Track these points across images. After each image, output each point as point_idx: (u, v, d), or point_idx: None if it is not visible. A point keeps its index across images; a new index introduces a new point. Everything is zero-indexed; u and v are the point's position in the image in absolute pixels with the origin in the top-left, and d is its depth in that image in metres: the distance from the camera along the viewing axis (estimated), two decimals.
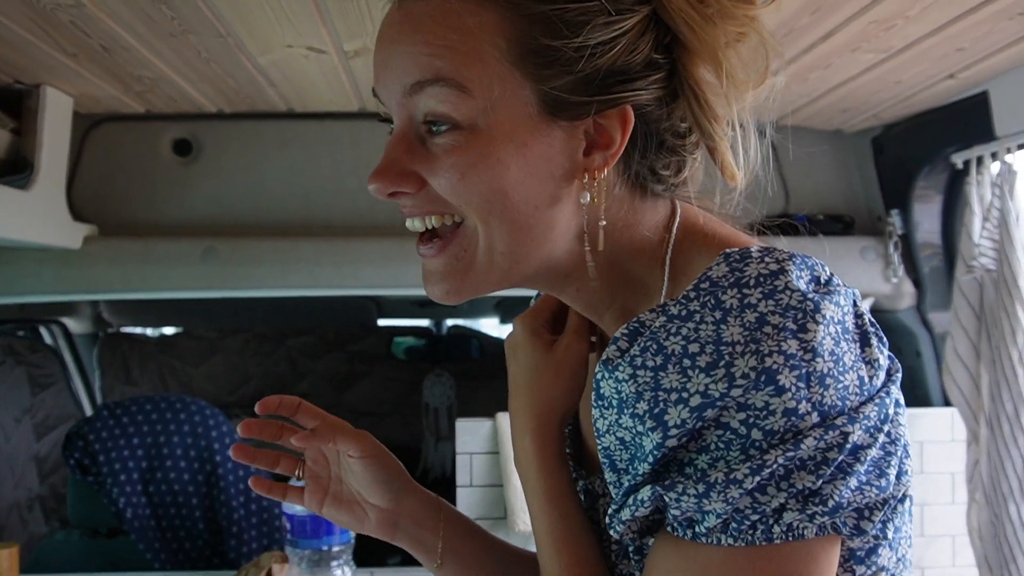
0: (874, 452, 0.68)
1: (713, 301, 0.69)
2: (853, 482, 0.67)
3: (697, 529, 0.68)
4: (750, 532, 0.66)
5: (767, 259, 0.70)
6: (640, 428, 0.69)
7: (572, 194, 0.78)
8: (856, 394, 0.68)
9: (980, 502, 2.00)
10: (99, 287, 2.17)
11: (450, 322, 4.64)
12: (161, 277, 2.16)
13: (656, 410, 0.68)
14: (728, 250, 0.72)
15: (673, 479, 0.68)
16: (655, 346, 0.69)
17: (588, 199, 0.78)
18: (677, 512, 0.68)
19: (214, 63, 1.77)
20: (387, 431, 4.47)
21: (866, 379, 0.69)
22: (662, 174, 0.82)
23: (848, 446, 0.66)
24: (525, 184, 0.76)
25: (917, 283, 2.33)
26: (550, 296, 0.92)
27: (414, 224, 0.81)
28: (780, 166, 2.40)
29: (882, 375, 0.71)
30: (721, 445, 0.66)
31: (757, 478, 0.64)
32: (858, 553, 0.72)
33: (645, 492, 0.70)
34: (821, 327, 0.66)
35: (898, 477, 0.71)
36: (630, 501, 0.72)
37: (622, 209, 0.81)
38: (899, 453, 0.71)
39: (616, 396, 0.72)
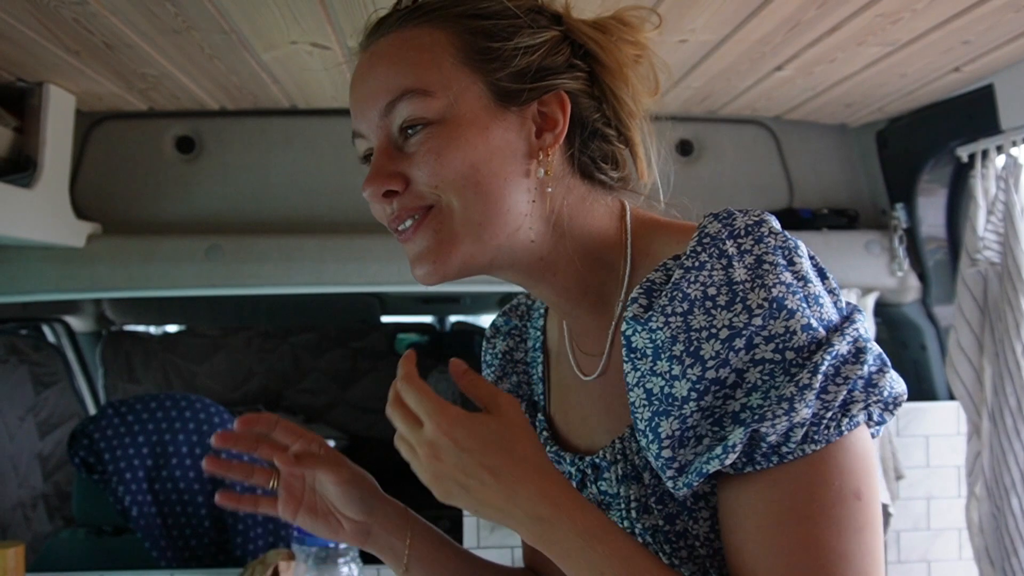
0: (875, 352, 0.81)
1: (717, 251, 0.82)
2: (888, 376, 0.81)
3: (783, 450, 0.76)
4: (827, 432, 0.77)
5: (748, 214, 0.84)
6: (676, 369, 0.80)
7: (532, 173, 0.92)
8: (838, 312, 0.82)
9: (980, 496, 2.00)
10: (103, 285, 2.16)
11: (453, 319, 4.64)
12: (165, 275, 2.16)
13: (691, 347, 0.79)
14: (715, 212, 0.86)
15: (757, 412, 0.76)
16: (680, 295, 0.81)
17: (542, 173, 0.92)
18: (773, 439, 0.76)
19: (217, 60, 1.76)
20: (390, 428, 4.45)
21: (836, 302, 0.83)
22: (602, 166, 0.97)
23: (866, 339, 0.80)
24: (491, 161, 0.89)
25: (922, 277, 2.33)
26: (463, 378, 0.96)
27: (405, 225, 0.92)
28: (785, 160, 2.39)
29: (842, 303, 0.85)
30: (765, 377, 0.77)
31: (819, 377, 0.76)
32: None
33: (735, 436, 0.76)
34: (804, 259, 0.82)
35: None
36: (717, 451, 0.77)
37: (579, 196, 0.95)
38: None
39: (651, 345, 0.82)
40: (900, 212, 2.29)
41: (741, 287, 0.79)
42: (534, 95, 0.92)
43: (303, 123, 2.28)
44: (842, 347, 0.78)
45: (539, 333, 1.16)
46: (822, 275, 0.84)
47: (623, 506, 0.92)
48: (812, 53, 1.72)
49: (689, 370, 0.79)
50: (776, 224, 0.84)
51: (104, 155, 2.23)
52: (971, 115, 1.99)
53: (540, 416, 1.11)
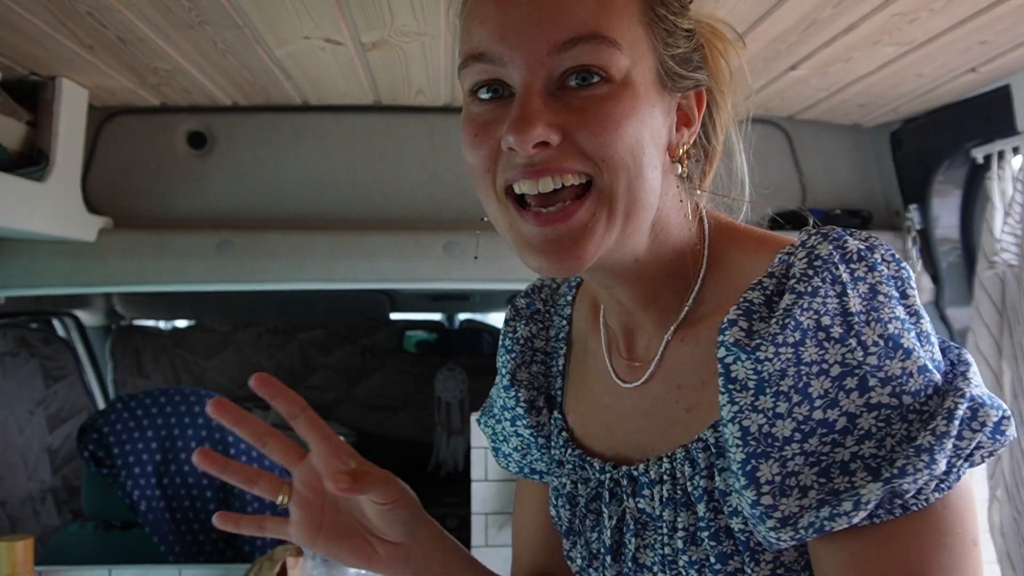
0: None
1: (831, 277, 0.74)
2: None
3: (909, 501, 0.70)
4: (955, 479, 0.71)
5: (857, 237, 0.77)
6: (782, 407, 0.72)
7: (665, 168, 0.84)
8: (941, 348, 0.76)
9: (1002, 499, 1.99)
10: (114, 280, 2.16)
11: (462, 316, 4.64)
12: (176, 270, 2.16)
13: (800, 384, 0.72)
14: (821, 230, 0.78)
15: (897, 468, 0.68)
16: (792, 323, 0.73)
17: (680, 170, 0.86)
18: (910, 494, 0.69)
19: (230, 55, 1.76)
20: (398, 425, 4.48)
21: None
22: (694, 167, 0.90)
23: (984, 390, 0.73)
24: (651, 145, 0.80)
25: (935, 278, 2.31)
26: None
27: (540, 186, 0.78)
28: (797, 160, 2.38)
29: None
30: (881, 423, 0.70)
31: (955, 424, 0.69)
32: None
33: (869, 494, 0.68)
34: (915, 292, 0.75)
35: None
36: (846, 507, 0.69)
37: (674, 196, 0.87)
38: None
39: (755, 377, 0.73)
40: (914, 213, 2.27)
41: (856, 319, 0.72)
42: (687, 85, 0.85)
43: (315, 119, 2.28)
44: (972, 389, 0.71)
45: (564, 322, 1.07)
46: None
47: (665, 530, 0.85)
48: (827, 52, 1.71)
49: (796, 408, 0.71)
50: (889, 250, 0.76)
51: (116, 150, 2.23)
52: (987, 116, 1.97)
53: (556, 413, 1.04)
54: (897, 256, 0.76)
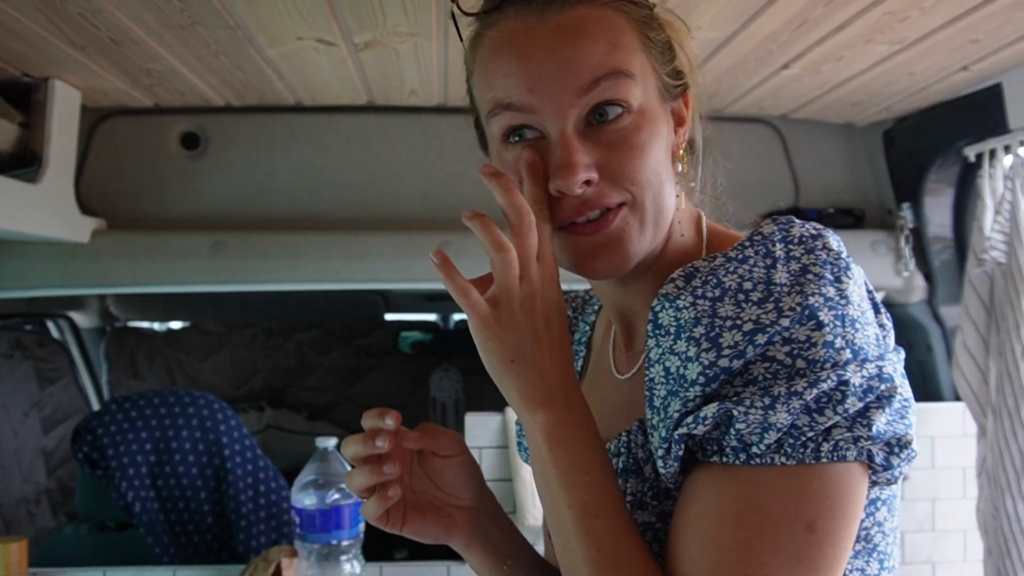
0: (901, 394, 0.77)
1: (764, 250, 0.80)
2: (886, 416, 0.75)
3: (752, 451, 0.74)
4: (802, 450, 0.74)
5: (807, 225, 0.83)
6: (692, 352, 0.78)
7: (672, 169, 0.93)
8: (876, 345, 0.78)
9: (986, 495, 2.00)
10: (107, 281, 2.16)
11: (457, 316, 4.64)
12: (169, 271, 2.16)
13: (712, 333, 0.77)
14: (777, 216, 0.85)
15: (740, 394, 0.74)
16: (714, 280, 0.80)
17: (681, 168, 0.95)
18: (742, 427, 0.73)
19: (223, 56, 1.76)
20: None
21: (881, 337, 0.81)
22: (683, 165, 0.98)
23: (886, 380, 0.75)
24: (664, 158, 0.90)
25: (928, 277, 2.32)
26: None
27: (590, 217, 0.87)
28: (790, 159, 2.39)
29: (891, 340, 0.84)
30: (768, 376, 0.75)
31: (815, 391, 0.73)
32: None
33: (710, 409, 0.75)
34: (852, 282, 0.78)
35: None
36: (688, 421, 0.76)
37: (682, 204, 0.96)
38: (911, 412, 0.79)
39: (675, 323, 0.80)
40: (906, 212, 2.28)
41: (778, 289, 0.77)
42: (680, 91, 0.94)
43: (308, 120, 2.28)
44: (856, 378, 0.74)
45: (588, 328, 1.17)
46: (875, 308, 0.83)
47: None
48: (819, 51, 1.72)
49: (704, 354, 0.77)
50: (835, 242, 0.81)
51: (109, 151, 2.24)
52: (979, 115, 1.98)
53: None
54: (842, 249, 0.81)
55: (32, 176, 1.87)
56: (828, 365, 0.74)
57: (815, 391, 0.72)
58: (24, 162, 1.88)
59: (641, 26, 0.89)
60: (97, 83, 1.95)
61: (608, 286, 1.00)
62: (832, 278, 0.77)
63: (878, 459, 0.76)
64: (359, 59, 1.80)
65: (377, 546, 2.07)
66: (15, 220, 1.79)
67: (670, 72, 0.92)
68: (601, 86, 0.84)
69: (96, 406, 3.84)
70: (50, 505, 3.50)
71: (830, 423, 0.73)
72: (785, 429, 0.73)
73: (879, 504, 0.85)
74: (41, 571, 2.07)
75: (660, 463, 0.80)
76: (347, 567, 1.79)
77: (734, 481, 0.75)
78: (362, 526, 1.81)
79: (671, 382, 0.79)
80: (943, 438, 2.28)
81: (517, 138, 0.88)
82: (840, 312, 0.76)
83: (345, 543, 1.78)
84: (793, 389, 0.73)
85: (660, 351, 0.81)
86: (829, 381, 0.73)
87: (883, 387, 0.75)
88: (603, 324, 1.13)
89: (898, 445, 0.77)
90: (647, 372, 0.83)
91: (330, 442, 1.82)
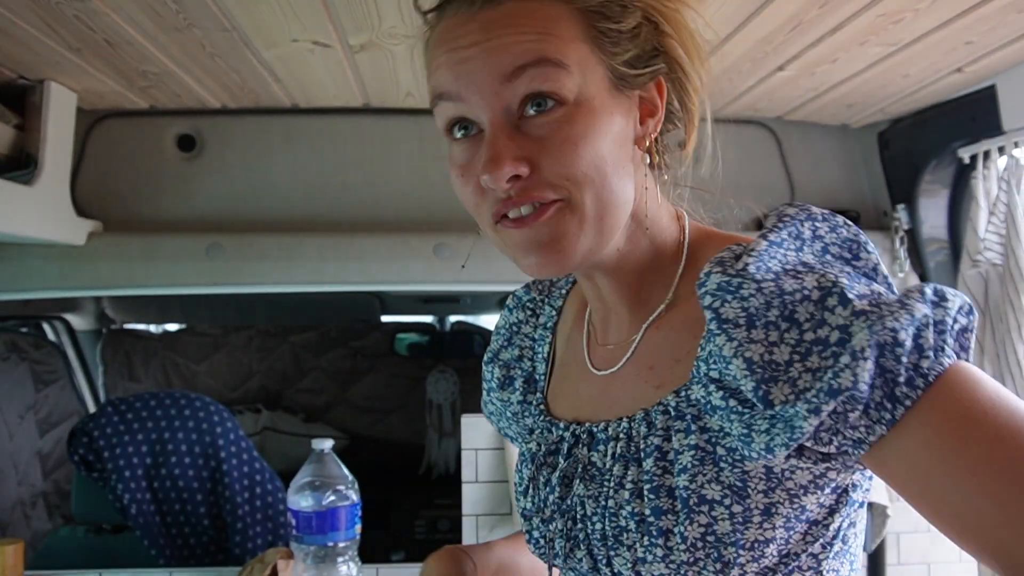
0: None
1: (796, 230, 0.83)
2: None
3: (923, 365, 0.72)
4: (951, 340, 0.74)
5: (817, 208, 0.85)
6: (775, 336, 0.76)
7: (636, 160, 0.91)
8: None
9: None
10: (103, 283, 2.16)
11: (453, 319, 4.64)
12: (166, 273, 2.16)
13: (787, 311, 0.77)
14: (791, 203, 0.86)
15: (881, 324, 0.72)
16: (765, 263, 0.79)
17: (649, 160, 0.93)
18: (908, 342, 0.72)
19: (219, 58, 1.76)
20: (390, 428, 4.48)
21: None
22: (664, 156, 0.97)
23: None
24: (614, 151, 0.87)
25: (923, 278, 2.33)
26: None
27: (520, 211, 0.86)
28: (785, 161, 2.39)
29: None
30: (874, 305, 0.75)
31: (928, 291, 0.75)
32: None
33: (859, 342, 0.72)
34: (870, 256, 0.82)
35: None
36: (839, 365, 0.72)
37: (653, 190, 0.95)
38: None
39: (744, 314, 0.78)
40: (902, 213, 2.28)
41: (822, 258, 0.80)
42: (643, 80, 0.91)
43: (304, 122, 2.28)
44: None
45: (554, 312, 1.16)
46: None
47: (611, 483, 0.90)
48: (814, 53, 1.72)
49: (787, 335, 0.76)
50: (847, 222, 0.85)
51: (105, 153, 2.23)
52: (973, 116, 1.99)
53: (538, 394, 1.11)
54: (858, 228, 0.84)
55: (28, 178, 1.87)
56: (896, 304, 0.75)
57: (929, 289, 0.75)
58: (19, 164, 1.88)
59: (588, 16, 0.87)
60: (93, 85, 1.95)
61: (586, 278, 1.00)
62: (852, 255, 0.82)
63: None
64: (355, 61, 1.80)
65: (373, 548, 2.07)
66: (11, 222, 1.79)
67: (630, 60, 0.89)
68: (527, 74, 0.83)
69: (92, 408, 3.83)
70: (46, 507, 3.50)
71: (954, 308, 0.75)
72: (932, 323, 0.73)
73: (856, 507, 0.87)
74: (37, 573, 2.07)
75: (768, 443, 0.76)
76: (343, 569, 1.79)
77: (932, 407, 0.72)
78: (358, 528, 1.81)
79: (759, 370, 0.76)
80: None
81: (461, 132, 0.88)
82: (877, 272, 0.81)
83: (341, 545, 1.78)
84: (909, 295, 0.75)
85: (735, 344, 0.78)
86: (928, 286, 0.76)
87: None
88: (572, 310, 1.13)
89: (970, 311, 0.78)
90: (727, 369, 0.80)
91: (326, 444, 1.82)
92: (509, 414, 1.17)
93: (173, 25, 1.54)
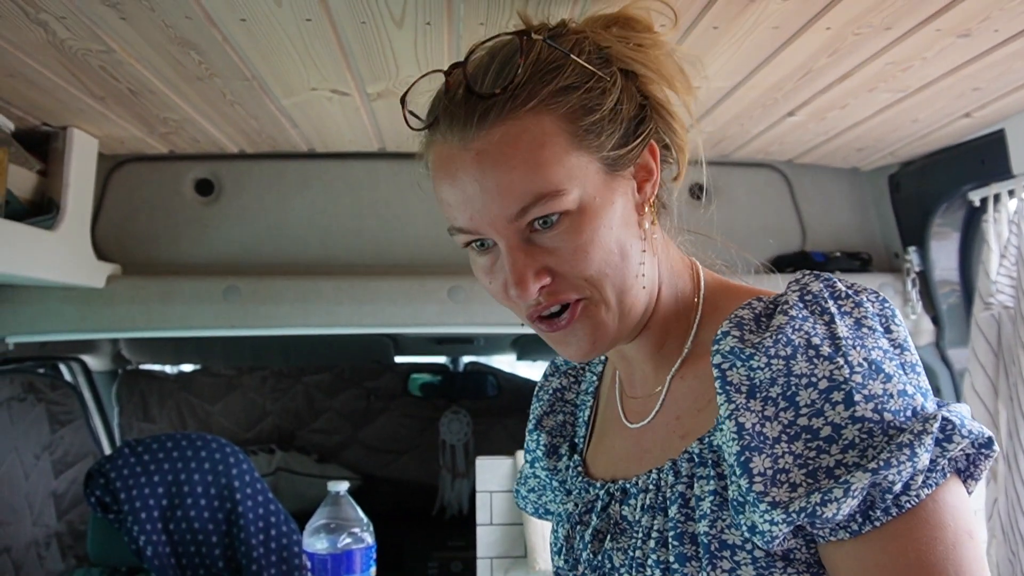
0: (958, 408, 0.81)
1: (819, 308, 0.83)
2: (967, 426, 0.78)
3: (902, 500, 0.75)
4: (939, 475, 0.76)
5: (845, 281, 0.87)
6: (770, 411, 0.80)
7: (641, 227, 0.94)
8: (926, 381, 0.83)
9: (999, 538, 1.99)
10: (122, 325, 2.19)
11: (466, 359, 4.65)
12: (183, 315, 2.18)
13: (789, 392, 0.79)
14: (815, 272, 0.88)
15: (882, 460, 0.74)
16: (784, 338, 0.81)
17: (648, 224, 0.95)
18: (896, 489, 0.74)
19: (238, 105, 1.80)
20: (404, 468, 4.48)
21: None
22: (667, 203, 1.01)
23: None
24: (621, 235, 0.91)
25: (936, 320, 2.33)
26: None
27: (553, 311, 0.92)
28: (797, 204, 2.41)
29: None
30: (864, 436, 0.76)
31: (936, 423, 0.75)
32: None
33: (858, 483, 0.74)
34: (901, 328, 0.84)
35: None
36: (836, 494, 0.74)
37: (663, 244, 0.99)
38: None
39: (748, 382, 0.82)
40: (913, 255, 2.30)
41: (843, 342, 0.80)
42: (635, 155, 0.94)
43: (320, 166, 2.31)
44: (952, 411, 0.78)
45: (595, 378, 1.19)
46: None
47: (640, 534, 0.92)
48: (824, 99, 1.75)
49: (782, 413, 0.79)
50: (874, 293, 0.85)
51: (125, 197, 2.27)
52: (983, 160, 2.00)
53: (576, 457, 1.13)
54: (882, 296, 0.85)
55: (50, 223, 1.90)
56: (909, 412, 0.77)
57: (934, 424, 0.75)
58: (42, 209, 1.92)
59: (571, 118, 0.89)
60: (114, 131, 1.99)
61: (623, 346, 1.02)
62: (883, 329, 0.83)
63: (969, 462, 0.80)
64: (372, 108, 1.83)
65: None
66: (33, 267, 1.82)
67: (619, 140, 0.92)
68: (529, 212, 0.87)
69: (107, 449, 3.84)
70: (59, 548, 3.50)
71: (958, 448, 0.76)
72: (930, 462, 0.75)
73: None
74: None
75: (764, 519, 0.78)
76: None
77: (897, 536, 0.76)
78: (373, 570, 1.81)
79: (747, 437, 0.80)
80: None
81: (479, 245, 0.93)
82: (900, 361, 0.81)
83: None
84: (916, 430, 0.75)
85: (732, 407, 0.82)
86: (938, 416, 0.76)
87: (953, 406, 0.80)
88: (610, 373, 1.16)
89: (987, 447, 0.79)
90: (719, 429, 0.84)
91: (342, 486, 1.82)
92: (555, 483, 1.18)
93: (195, 75, 1.58)
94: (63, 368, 3.67)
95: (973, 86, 1.65)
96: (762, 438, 0.79)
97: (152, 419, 4.22)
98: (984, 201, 2.06)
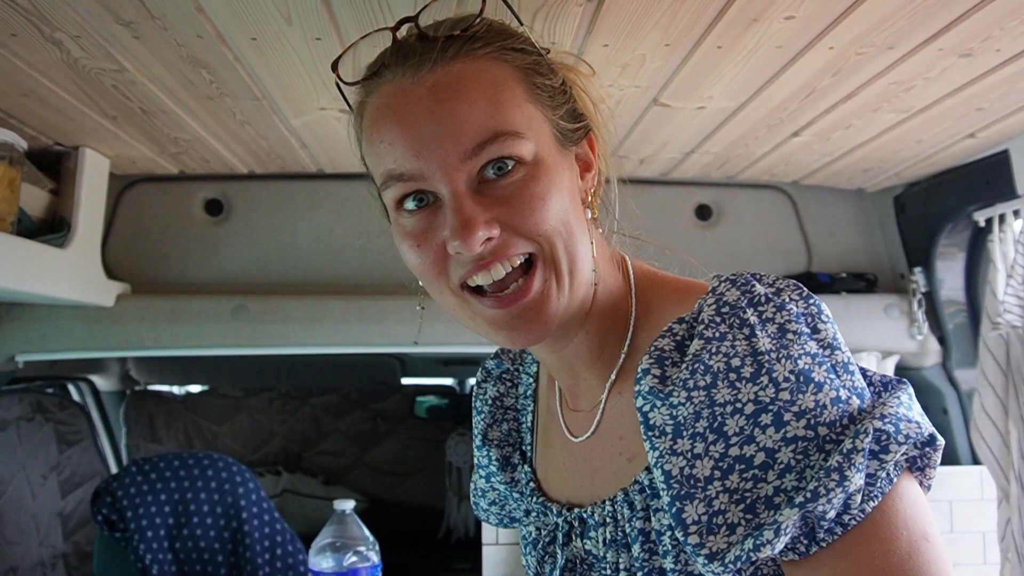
0: (901, 394, 0.77)
1: (738, 320, 0.77)
2: (909, 424, 0.74)
3: (845, 519, 0.72)
4: (881, 486, 0.72)
5: (765, 280, 0.81)
6: (699, 447, 0.74)
7: (585, 215, 0.91)
8: (861, 375, 0.78)
9: (1013, 560, 1.97)
10: (130, 344, 2.20)
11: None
12: (191, 334, 2.19)
13: (715, 423, 0.74)
14: (731, 276, 0.82)
15: (809, 491, 0.69)
16: (702, 367, 0.76)
17: (590, 214, 0.92)
18: (831, 515, 0.70)
19: (248, 125, 1.82)
20: (410, 491, 4.47)
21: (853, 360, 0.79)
22: (607, 205, 0.98)
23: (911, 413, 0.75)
24: (572, 205, 0.87)
25: (942, 340, 2.33)
26: None
27: (492, 274, 0.85)
28: (803, 224, 2.42)
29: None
30: (799, 456, 0.72)
31: (867, 439, 0.70)
32: None
33: (786, 520, 0.70)
34: (829, 324, 0.78)
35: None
36: (766, 535, 0.70)
37: (599, 241, 0.94)
38: None
39: (671, 421, 0.76)
40: (919, 276, 2.30)
41: (766, 357, 0.74)
42: (579, 136, 0.92)
43: (329, 187, 2.33)
44: (891, 409, 0.73)
45: (531, 380, 1.14)
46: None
47: (608, 571, 0.89)
48: (828, 120, 1.76)
49: (712, 447, 0.73)
50: (797, 290, 0.80)
51: (135, 216, 2.29)
52: (988, 180, 2.01)
53: (527, 468, 1.09)
54: (807, 294, 0.79)
55: (61, 241, 1.92)
56: (847, 420, 0.72)
57: (865, 438, 0.70)
58: (53, 228, 1.94)
59: (526, 74, 0.87)
60: (126, 151, 2.01)
61: (540, 348, 0.97)
62: (809, 330, 0.77)
63: (920, 462, 0.76)
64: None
65: None
66: (44, 284, 1.83)
67: (566, 116, 0.90)
68: (486, 149, 0.82)
69: (114, 469, 3.85)
70: (66, 569, 3.50)
71: (899, 455, 0.72)
72: (862, 485, 0.71)
73: None
74: None
75: (705, 570, 0.74)
76: None
77: (847, 554, 0.72)
78: None
79: (676, 486, 0.75)
80: (961, 502, 2.27)
81: (414, 204, 0.86)
82: (830, 363, 0.75)
83: None
84: (845, 449, 0.70)
85: (657, 454, 0.77)
86: (871, 423, 0.71)
87: (889, 408, 0.74)
88: (546, 374, 1.10)
89: (930, 444, 0.75)
90: (653, 472, 0.78)
91: (348, 505, 1.83)
92: (516, 494, 1.11)
93: (206, 94, 1.60)
94: (71, 388, 3.69)
95: (976, 106, 1.66)
96: (692, 482, 0.74)
97: (159, 440, 4.23)
98: (989, 221, 2.07)
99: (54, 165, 1.96)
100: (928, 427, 0.75)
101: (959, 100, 1.63)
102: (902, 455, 0.73)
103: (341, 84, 0.91)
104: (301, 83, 1.54)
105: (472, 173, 0.83)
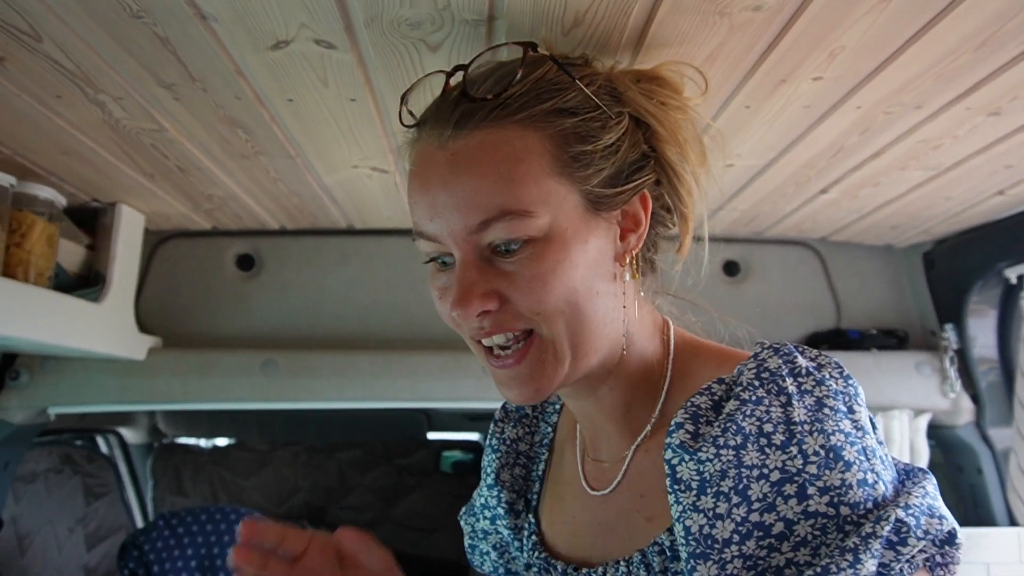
0: (924, 488, 0.76)
1: (776, 388, 0.77)
2: (932, 522, 0.73)
3: None
4: None
5: (808, 353, 0.81)
6: (722, 507, 0.73)
7: (618, 278, 0.89)
8: (890, 465, 0.77)
9: None
10: (160, 398, 2.21)
11: None
12: (221, 388, 2.20)
13: (740, 486, 0.73)
14: (774, 344, 0.82)
15: (820, 567, 0.68)
16: (734, 427, 0.75)
17: (628, 277, 0.90)
18: None
19: (281, 182, 1.84)
20: (435, 546, 4.43)
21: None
22: (652, 259, 0.96)
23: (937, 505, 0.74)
24: (589, 277, 0.85)
25: (975, 398, 2.30)
26: None
27: (494, 340, 0.87)
28: (831, 281, 2.41)
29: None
30: (817, 532, 0.70)
31: (887, 527, 0.69)
32: None
33: None
34: (864, 408, 0.77)
35: None
36: None
37: (639, 301, 0.93)
38: None
39: (697, 477, 0.75)
40: (950, 333, 2.28)
41: (799, 428, 0.73)
42: (624, 199, 0.89)
43: (359, 242, 2.36)
44: (915, 500, 0.72)
45: (550, 429, 1.13)
46: (873, 426, 0.80)
47: None
48: (856, 177, 1.76)
49: (735, 510, 0.72)
50: (838, 368, 0.79)
51: (168, 271, 2.32)
52: (1018, 237, 2.00)
53: (530, 517, 1.07)
54: (847, 374, 0.79)
55: (95, 296, 1.95)
56: (870, 504, 0.71)
57: (885, 525, 0.69)
58: (88, 282, 1.97)
59: (560, 142, 0.85)
60: (161, 207, 2.04)
61: (567, 397, 0.98)
62: (846, 409, 0.76)
63: (939, 559, 0.74)
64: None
65: None
66: (78, 338, 1.85)
67: (607, 179, 0.87)
68: (494, 227, 0.82)
69: (140, 523, 3.85)
70: None
71: (917, 549, 0.70)
72: (878, 567, 0.69)
73: None
74: None
75: None
76: None
77: None
78: None
79: (693, 543, 0.74)
80: (998, 565, 2.22)
81: (442, 262, 0.89)
82: (861, 446, 0.74)
83: None
84: (863, 532, 0.69)
85: (680, 508, 0.76)
86: (892, 512, 0.70)
87: (914, 499, 0.73)
88: (567, 426, 1.10)
89: (950, 542, 0.74)
90: (677, 526, 0.77)
91: None
92: (517, 543, 1.11)
93: (241, 152, 1.63)
94: (100, 440, 3.71)
95: (1005, 163, 1.66)
96: (709, 542, 0.73)
97: (185, 493, 4.22)
98: (1021, 278, 2.05)
99: (91, 221, 1.99)
100: (950, 523, 0.74)
101: (988, 158, 1.63)
102: (919, 551, 0.71)
103: (402, 120, 0.92)
104: (335, 142, 1.57)
105: (480, 244, 0.84)
